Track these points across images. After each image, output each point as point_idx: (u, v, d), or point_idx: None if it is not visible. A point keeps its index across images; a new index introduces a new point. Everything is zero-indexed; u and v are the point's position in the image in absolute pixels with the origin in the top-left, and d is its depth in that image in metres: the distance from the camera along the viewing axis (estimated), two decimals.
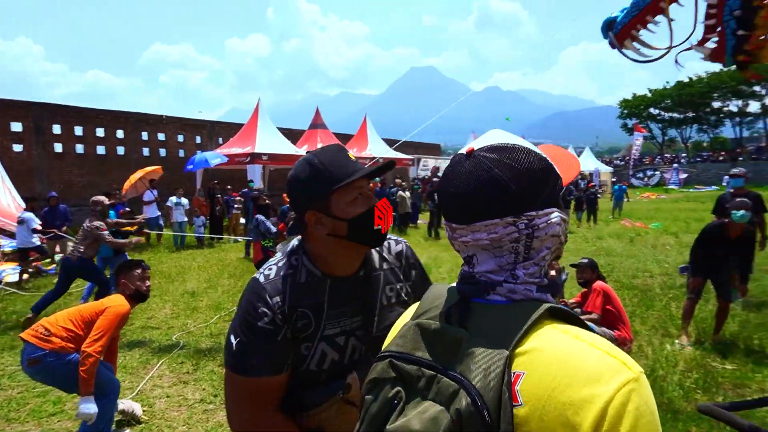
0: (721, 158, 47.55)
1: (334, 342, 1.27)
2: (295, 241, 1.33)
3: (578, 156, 39.20)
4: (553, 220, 0.77)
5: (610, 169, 45.92)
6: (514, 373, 0.67)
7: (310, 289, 1.25)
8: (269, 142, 17.28)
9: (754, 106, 50.72)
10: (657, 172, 46.10)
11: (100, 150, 17.03)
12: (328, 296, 1.26)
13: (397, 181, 15.40)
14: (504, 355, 0.67)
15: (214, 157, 14.27)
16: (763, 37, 2.74)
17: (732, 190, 6.62)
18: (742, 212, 4.68)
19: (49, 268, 9.80)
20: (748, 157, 46.89)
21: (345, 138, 22.47)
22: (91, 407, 2.95)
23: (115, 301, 3.26)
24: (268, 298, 1.21)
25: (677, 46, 2.99)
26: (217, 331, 5.76)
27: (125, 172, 16.78)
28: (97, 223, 6.15)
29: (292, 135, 18.97)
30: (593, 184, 16.59)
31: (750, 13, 2.71)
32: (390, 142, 23.45)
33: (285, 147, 17.85)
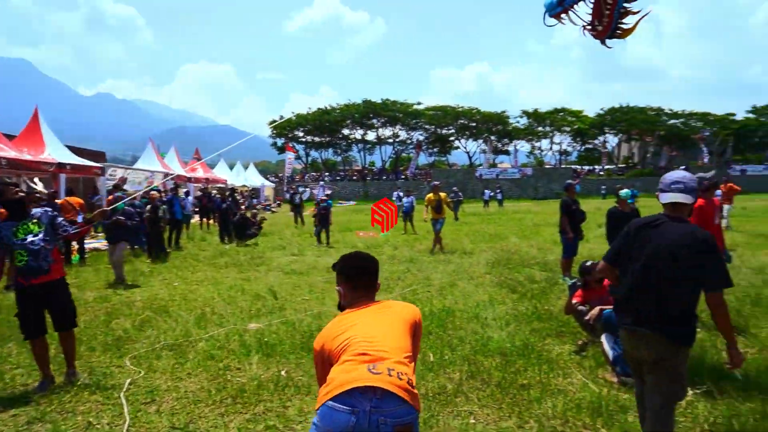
0: (354, 177, 56.40)
1: None
2: None
3: (212, 169, 39.35)
4: None
5: (272, 184, 48.50)
6: None
7: None
8: None
9: (372, 136, 62.23)
10: (307, 189, 51.14)
11: None
12: None
13: (154, 194, 12.27)
14: None
15: None
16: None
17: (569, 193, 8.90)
18: (626, 190, 7.21)
19: None
20: (374, 177, 57.21)
21: None
22: None
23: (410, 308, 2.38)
24: None
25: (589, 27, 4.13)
26: None
27: None
28: None
29: None
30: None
31: None
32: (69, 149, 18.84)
33: None
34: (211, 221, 19.62)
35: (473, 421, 3.61)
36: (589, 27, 4.09)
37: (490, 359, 4.75)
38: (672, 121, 59.77)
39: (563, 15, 4.12)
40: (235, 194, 18.07)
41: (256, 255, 12.20)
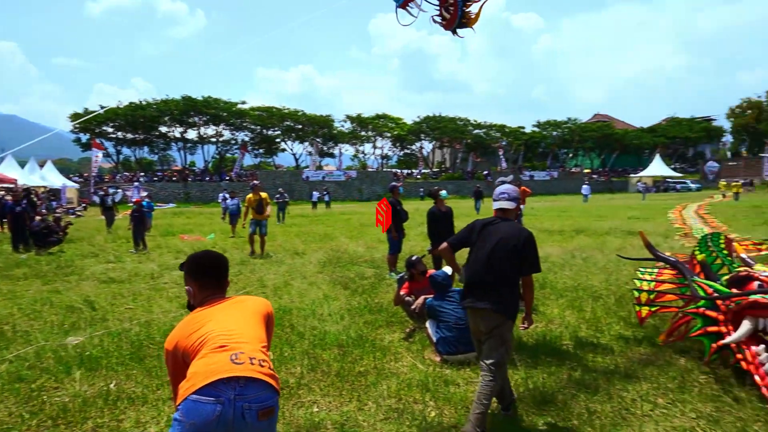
0: (174, 178, 52.62)
1: None
2: None
3: None
4: None
5: (76, 185, 42.93)
6: None
7: None
8: None
9: (193, 134, 58.63)
10: (119, 190, 46.31)
11: None
12: None
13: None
14: None
15: None
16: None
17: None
18: (445, 192, 8.08)
19: None
20: (195, 178, 54.02)
21: None
22: None
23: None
24: None
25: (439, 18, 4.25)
26: None
27: None
28: None
29: None
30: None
31: None
32: None
33: None
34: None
35: (317, 409, 3.82)
36: (438, 17, 4.21)
37: (328, 352, 5.01)
38: (476, 131, 66.92)
39: (411, 4, 4.20)
40: (31, 196, 15.74)
41: (64, 264, 10.85)
